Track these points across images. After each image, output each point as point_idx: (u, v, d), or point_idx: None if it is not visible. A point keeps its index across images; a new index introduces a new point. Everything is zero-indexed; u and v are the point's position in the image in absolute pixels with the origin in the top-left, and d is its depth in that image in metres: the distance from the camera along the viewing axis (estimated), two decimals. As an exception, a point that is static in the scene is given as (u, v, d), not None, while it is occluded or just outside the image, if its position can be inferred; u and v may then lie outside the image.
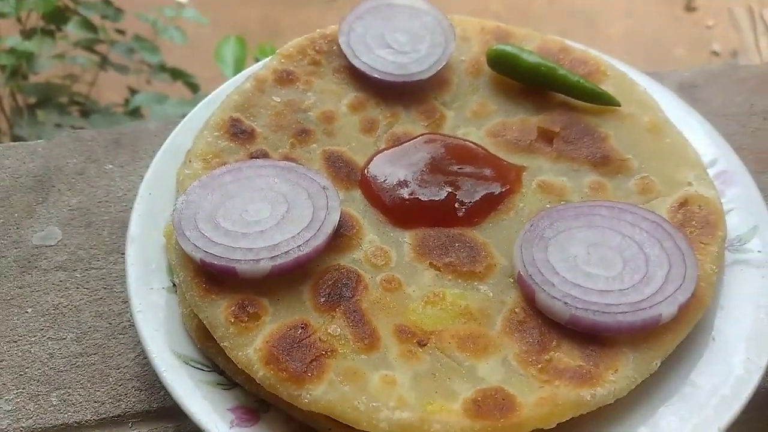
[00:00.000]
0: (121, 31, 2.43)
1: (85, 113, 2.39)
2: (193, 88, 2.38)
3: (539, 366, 0.75)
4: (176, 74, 2.38)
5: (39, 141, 1.16)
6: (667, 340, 0.78)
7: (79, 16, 2.28)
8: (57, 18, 2.25)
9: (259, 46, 2.45)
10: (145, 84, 2.49)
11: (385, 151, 0.98)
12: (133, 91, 2.38)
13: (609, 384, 0.73)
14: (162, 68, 2.39)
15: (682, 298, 0.78)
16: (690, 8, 4.31)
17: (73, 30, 2.26)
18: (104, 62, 2.37)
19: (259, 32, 3.63)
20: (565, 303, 0.77)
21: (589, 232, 0.84)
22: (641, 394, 0.77)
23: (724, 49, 4.05)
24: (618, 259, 0.82)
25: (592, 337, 0.77)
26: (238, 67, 2.37)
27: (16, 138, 2.18)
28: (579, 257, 0.82)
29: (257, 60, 2.38)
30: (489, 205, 0.91)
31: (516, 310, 0.80)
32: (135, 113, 2.32)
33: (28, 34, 2.18)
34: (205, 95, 1.06)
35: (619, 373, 0.74)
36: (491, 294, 0.82)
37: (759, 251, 0.90)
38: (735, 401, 0.77)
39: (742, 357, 0.81)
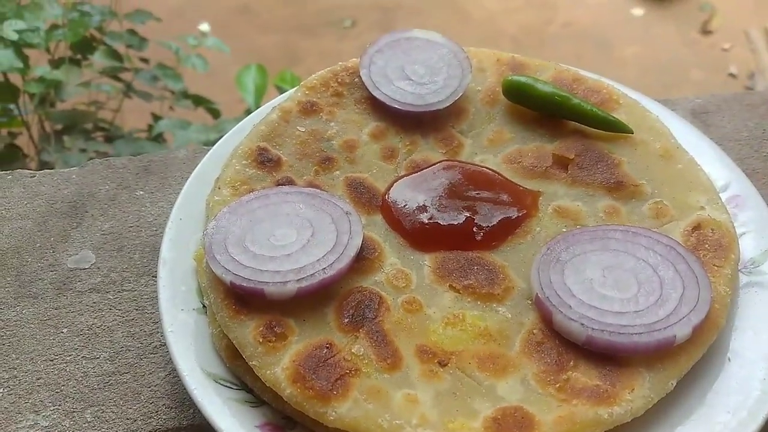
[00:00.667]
0: (145, 60, 2.51)
1: (110, 139, 2.45)
2: (215, 113, 2.44)
3: (557, 385, 0.77)
4: (198, 101, 2.46)
5: (73, 168, 1.21)
6: (682, 360, 0.80)
7: (105, 46, 2.36)
8: (84, 47, 2.33)
9: (279, 75, 2.52)
10: (168, 110, 2.56)
11: (405, 178, 1.01)
12: (156, 118, 2.44)
13: (626, 403, 0.76)
14: (184, 95, 2.46)
15: (696, 319, 0.80)
16: (706, 31, 4.34)
17: (99, 59, 2.35)
18: (128, 89, 2.44)
19: (278, 60, 3.72)
20: (582, 324, 0.80)
21: (604, 256, 0.87)
22: (658, 414, 0.79)
23: (741, 72, 4.07)
24: (633, 282, 0.84)
25: (608, 357, 0.80)
26: (259, 94, 2.44)
27: (43, 163, 2.25)
28: (595, 280, 0.84)
29: (277, 87, 2.45)
30: (506, 229, 0.95)
31: (534, 331, 0.83)
32: (158, 139, 2.38)
33: (56, 63, 2.26)
34: (226, 121, 1.11)
35: (636, 393, 0.77)
36: (510, 315, 0.85)
37: (772, 274, 0.92)
38: (752, 422, 0.79)
39: (758, 377, 0.82)
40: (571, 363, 0.79)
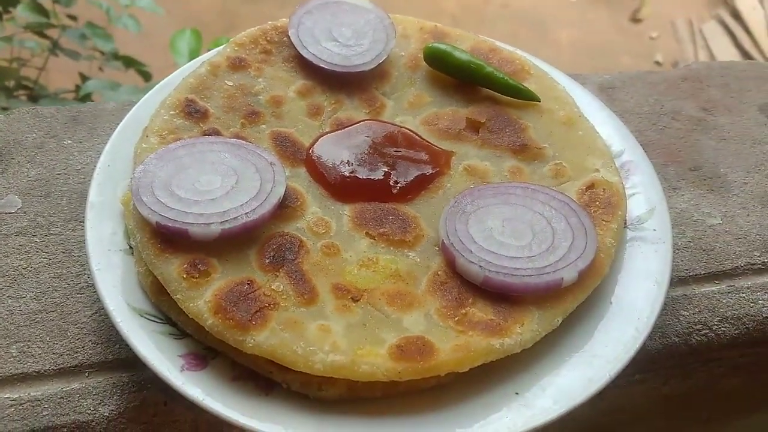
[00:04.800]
0: (73, 17, 2.43)
1: (34, 98, 2.38)
2: (146, 76, 2.39)
3: (456, 319, 0.86)
4: (129, 62, 2.39)
5: (-2, 115, 1.21)
6: (568, 301, 0.90)
7: (30, -1, 2.28)
8: (6, 0, 2.25)
9: (214, 41, 2.48)
10: (97, 71, 2.49)
11: (329, 134, 1.07)
12: (84, 78, 2.38)
13: (516, 335, 0.85)
14: (115, 56, 2.39)
15: (582, 265, 0.90)
16: (636, 20, 4.55)
17: (22, 13, 2.24)
18: (55, 47, 2.35)
19: (215, 24, 3.67)
20: (480, 266, 0.88)
21: (504, 208, 0.96)
22: (546, 347, 0.89)
23: (666, 60, 4.29)
24: (528, 232, 0.93)
25: (503, 296, 0.89)
26: (193, 59, 2.41)
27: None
28: (494, 229, 0.93)
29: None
30: (421, 185, 1.02)
31: (439, 272, 0.91)
32: (86, 99, 2.30)
33: (-26, 15, 2.17)
34: (156, 83, 1.14)
35: (525, 327, 0.86)
36: (419, 260, 0.93)
37: (654, 230, 1.03)
38: (625, 354, 0.89)
39: (634, 318, 0.93)
40: (470, 300, 0.88)
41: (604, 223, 0.99)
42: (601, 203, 1.01)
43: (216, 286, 0.85)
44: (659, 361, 1.06)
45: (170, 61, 2.46)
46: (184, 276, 0.85)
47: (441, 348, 0.82)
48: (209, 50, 2.40)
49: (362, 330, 0.84)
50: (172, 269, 0.85)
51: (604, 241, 0.96)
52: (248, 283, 0.85)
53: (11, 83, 2.35)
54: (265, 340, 0.80)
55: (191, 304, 0.83)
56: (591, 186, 1.03)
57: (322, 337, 0.82)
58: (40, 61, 2.42)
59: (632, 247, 1.03)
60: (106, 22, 2.35)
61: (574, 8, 4.52)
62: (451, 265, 0.91)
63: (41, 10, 2.26)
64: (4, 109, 2.20)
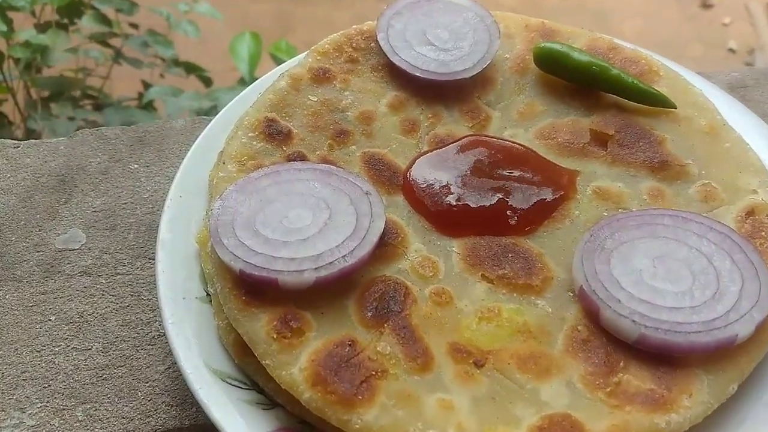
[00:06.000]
0: (134, 25, 2.42)
1: (99, 107, 2.37)
2: (207, 82, 2.37)
3: (608, 389, 0.69)
4: (190, 68, 2.37)
5: (61, 139, 1.11)
6: (743, 361, 0.72)
7: (93, 10, 2.27)
8: (71, 11, 2.24)
9: (274, 44, 2.41)
10: (159, 78, 2.47)
11: (428, 154, 0.92)
12: (146, 85, 2.36)
13: (684, 410, 0.68)
14: (175, 62, 2.38)
15: (759, 316, 0.72)
16: (706, 5, 4.25)
17: (87, 24, 2.25)
18: (118, 56, 2.35)
19: (272, 28, 3.58)
20: (633, 321, 0.71)
21: (653, 243, 0.79)
22: (715, 421, 0.71)
23: (741, 47, 3.99)
24: (686, 273, 0.76)
25: (660, 358, 0.72)
26: (253, 63, 2.34)
27: (29, 131, 2.15)
28: (644, 270, 0.76)
29: (272, 56, 2.34)
30: (542, 213, 0.86)
31: (578, 327, 0.74)
32: (148, 107, 2.30)
33: (42, 27, 2.15)
34: (218, 90, 1.01)
35: (694, 398, 0.69)
36: (550, 309, 0.77)
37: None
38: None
39: None
40: (621, 364, 0.71)
41: (774, 259, 0.80)
42: (768, 233, 0.82)
43: (312, 347, 0.70)
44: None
45: (230, 65, 2.39)
46: (275, 336, 0.71)
47: (593, 429, 0.66)
48: (269, 53, 2.35)
49: (491, 405, 0.68)
50: (259, 327, 0.72)
51: (778, 283, 0.77)
52: (349, 344, 0.71)
53: (78, 93, 2.32)
54: (375, 419, 0.66)
55: (284, 372, 0.69)
56: (751, 212, 0.85)
57: (444, 416, 0.66)
58: (104, 71, 2.39)
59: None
60: (166, 29, 2.31)
61: (637, -4, 4.24)
62: (593, 317, 0.75)
63: (105, 20, 2.24)
64: (71, 119, 2.17)
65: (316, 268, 0.73)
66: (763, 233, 0.82)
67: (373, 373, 0.69)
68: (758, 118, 1.01)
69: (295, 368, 0.69)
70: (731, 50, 4.00)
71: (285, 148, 0.89)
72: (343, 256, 0.75)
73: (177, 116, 1.87)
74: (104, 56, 2.33)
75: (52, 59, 2.20)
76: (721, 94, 1.05)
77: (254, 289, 0.74)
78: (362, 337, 0.72)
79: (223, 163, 0.87)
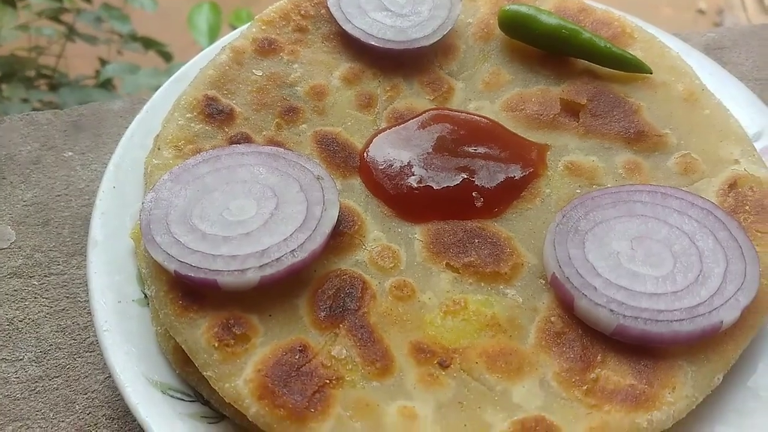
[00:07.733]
0: (87, 0, 2.27)
1: (54, 87, 2.26)
2: (167, 57, 2.26)
3: (584, 387, 0.63)
4: (148, 43, 2.26)
5: (-13, 126, 1.01)
6: (729, 349, 0.67)
7: (42, -17, 2.12)
8: (19, -14, 2.10)
9: (234, 13, 2.31)
10: (116, 55, 2.36)
11: (387, 131, 0.85)
12: (103, 62, 2.24)
13: (667, 406, 0.62)
14: (133, 38, 2.28)
15: (745, 300, 0.66)
16: (673, -34, 4.18)
17: None
18: (71, 33, 2.24)
19: (234, -1, 3.44)
20: (611, 310, 0.65)
21: (630, 223, 0.73)
22: (700, 412, 0.66)
23: (710, 8, 3.94)
24: (667, 255, 0.70)
25: (642, 349, 0.66)
26: (213, 35, 2.23)
27: (-20, 115, 2.03)
28: (622, 253, 0.70)
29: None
30: (510, 192, 0.79)
31: (551, 318, 0.68)
32: (106, 85, 2.19)
33: (-12, 4, 2.02)
34: (179, 64, 0.92)
35: (677, 392, 0.63)
36: (520, 299, 0.70)
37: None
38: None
39: None
40: (599, 358, 0.65)
41: (759, 235, 0.75)
42: (752, 207, 0.77)
43: (258, 355, 0.63)
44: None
45: (190, 38, 2.27)
46: (216, 344, 0.63)
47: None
48: (230, 25, 2.24)
49: (458, 412, 0.62)
50: (199, 334, 0.64)
51: (764, 261, 0.72)
52: (300, 350, 0.64)
53: (31, 73, 2.20)
54: (329, 434, 0.59)
55: (227, 385, 0.62)
56: (734, 184, 0.79)
57: (406, 427, 0.60)
58: (57, 48, 2.26)
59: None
60: (122, 3, 2.20)
61: (601, -41, 4.17)
62: (567, 306, 0.68)
63: (55, -6, 2.10)
64: (24, 100, 2.06)
65: (260, 266, 0.66)
66: (747, 207, 0.77)
67: (327, 381, 0.62)
68: (738, 81, 0.94)
69: (240, 379, 0.62)
70: (700, 11, 3.96)
71: (227, 130, 0.81)
72: (292, 251, 0.67)
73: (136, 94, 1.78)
74: (57, 33, 2.21)
75: (0, 38, 2.07)
76: (699, 55, 0.98)
77: (192, 292, 0.66)
78: (315, 340, 0.65)
79: (158, 148, 0.79)
